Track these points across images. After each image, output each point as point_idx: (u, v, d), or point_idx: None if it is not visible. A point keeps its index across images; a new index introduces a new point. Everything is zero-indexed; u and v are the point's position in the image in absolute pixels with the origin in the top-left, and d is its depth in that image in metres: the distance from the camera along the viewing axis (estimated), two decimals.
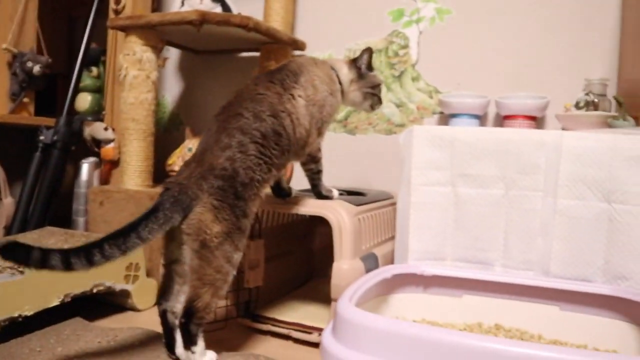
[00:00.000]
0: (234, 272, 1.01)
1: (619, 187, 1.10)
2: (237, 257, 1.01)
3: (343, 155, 1.94)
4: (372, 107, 1.32)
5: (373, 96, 1.30)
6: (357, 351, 0.85)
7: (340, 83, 1.25)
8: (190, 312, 0.96)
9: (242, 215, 1.00)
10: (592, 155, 1.13)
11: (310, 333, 1.23)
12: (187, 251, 0.98)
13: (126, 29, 1.67)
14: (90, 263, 0.90)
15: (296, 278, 1.63)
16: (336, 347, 0.87)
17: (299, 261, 1.65)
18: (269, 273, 1.40)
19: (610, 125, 1.30)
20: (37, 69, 1.85)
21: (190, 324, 0.97)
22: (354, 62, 1.28)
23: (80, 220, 1.78)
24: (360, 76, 1.27)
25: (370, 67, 1.29)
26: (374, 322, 0.84)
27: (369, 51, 1.27)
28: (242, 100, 1.08)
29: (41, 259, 0.88)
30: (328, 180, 1.35)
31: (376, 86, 1.30)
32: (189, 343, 0.98)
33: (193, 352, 0.98)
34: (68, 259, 0.89)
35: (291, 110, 1.11)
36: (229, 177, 0.98)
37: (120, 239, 0.91)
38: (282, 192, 1.26)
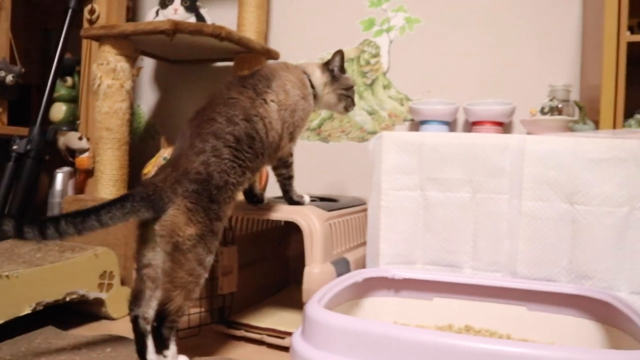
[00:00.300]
0: (206, 275, 1.02)
1: (581, 189, 1.14)
2: (210, 259, 1.01)
3: (317, 163, 1.97)
4: (346, 109, 1.35)
5: (347, 98, 1.33)
6: (326, 351, 0.86)
7: (312, 87, 1.28)
8: (162, 315, 0.97)
9: (216, 218, 1.01)
10: (554, 158, 1.16)
11: (283, 338, 1.24)
12: (160, 254, 0.98)
13: (100, 39, 1.68)
14: (43, 235, 0.90)
15: (271, 285, 1.64)
16: (305, 348, 0.88)
17: (274, 268, 1.66)
18: (243, 280, 1.41)
19: (571, 129, 1.34)
20: (9, 78, 1.85)
21: (163, 328, 0.97)
22: (326, 65, 1.30)
23: None
24: (334, 78, 1.30)
25: (342, 70, 1.32)
26: (341, 322, 0.86)
27: (340, 53, 1.30)
28: (215, 104, 1.09)
29: None
30: (303, 187, 1.37)
31: (349, 88, 1.33)
32: (161, 347, 0.98)
33: (165, 357, 0.98)
34: (21, 228, 0.89)
35: (264, 114, 1.13)
36: (203, 180, 0.99)
37: (79, 218, 0.92)
38: (254, 198, 1.28)
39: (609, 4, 1.25)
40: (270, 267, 1.64)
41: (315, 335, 0.89)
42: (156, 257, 1.00)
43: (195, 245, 0.97)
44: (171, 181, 0.98)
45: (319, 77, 1.29)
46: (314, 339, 0.88)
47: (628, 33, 1.28)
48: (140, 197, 0.95)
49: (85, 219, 0.92)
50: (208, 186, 1.00)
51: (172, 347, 0.99)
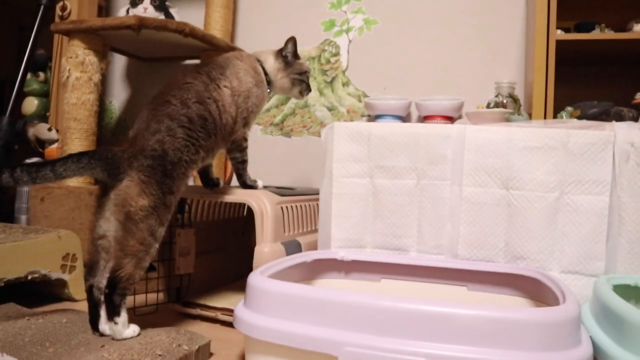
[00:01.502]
0: (157, 246, 1.06)
1: (515, 175, 1.20)
2: (161, 231, 1.06)
3: (280, 156, 2.04)
4: (301, 94, 1.42)
5: (301, 82, 1.40)
6: (262, 314, 0.92)
7: (266, 74, 1.35)
8: (113, 282, 1.01)
9: (169, 192, 1.06)
10: (491, 146, 1.23)
11: None
12: (113, 223, 1.03)
13: (69, 33, 1.74)
14: None
15: (232, 273, 1.69)
16: (244, 313, 0.94)
17: (236, 257, 1.72)
18: (204, 266, 1.46)
19: (508, 120, 1.43)
20: None
21: (114, 294, 1.01)
22: (280, 52, 1.38)
23: (22, 217, 1.82)
24: (287, 64, 1.37)
25: (296, 56, 1.39)
26: (276, 287, 0.92)
27: (292, 40, 1.38)
28: (170, 89, 1.16)
29: None
30: (266, 179, 1.44)
31: (303, 73, 1.40)
32: (112, 314, 1.02)
33: (116, 323, 1.02)
34: None
35: (217, 97, 1.19)
36: (158, 156, 1.05)
37: (34, 168, 0.97)
38: (209, 182, 1.35)
39: (540, 3, 1.35)
40: (232, 256, 1.69)
41: (254, 300, 0.95)
42: (111, 228, 1.04)
43: (148, 216, 1.02)
44: (128, 155, 1.03)
45: (271, 64, 1.36)
46: (253, 305, 0.94)
47: (560, 32, 1.38)
48: (99, 157, 1.01)
49: (40, 169, 0.97)
50: (163, 162, 1.05)
51: (123, 314, 1.03)
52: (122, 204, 1.01)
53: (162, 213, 1.05)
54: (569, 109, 1.41)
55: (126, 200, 1.01)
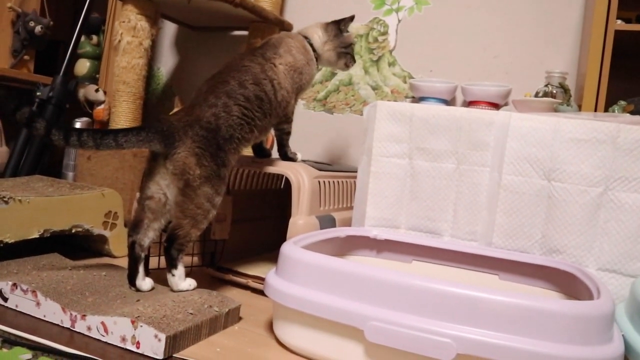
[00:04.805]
0: (214, 212, 1.12)
1: (558, 167, 1.18)
2: (218, 199, 1.12)
3: (320, 132, 2.05)
4: (347, 65, 1.47)
5: (346, 55, 1.45)
6: (292, 283, 0.94)
7: (314, 50, 1.40)
8: (172, 238, 1.08)
9: (222, 164, 1.11)
10: (535, 136, 1.20)
11: None
12: (172, 190, 1.08)
13: None
14: (66, 140, 1.00)
15: (267, 243, 1.71)
16: (276, 280, 0.96)
17: (271, 228, 1.74)
18: (239, 233, 1.49)
19: (556, 110, 1.39)
20: (38, 29, 1.97)
21: (172, 249, 1.08)
22: (334, 24, 1.44)
23: (70, 174, 1.89)
24: (335, 37, 1.42)
25: (346, 30, 1.45)
26: (307, 257, 0.94)
27: (352, 19, 1.46)
28: (230, 70, 1.21)
29: (28, 116, 0.98)
30: (306, 154, 1.46)
31: (349, 45, 1.45)
32: (170, 266, 1.09)
33: (173, 275, 1.09)
34: (50, 129, 0.99)
35: (273, 76, 1.25)
36: (212, 129, 1.10)
37: (99, 134, 1.02)
38: (262, 153, 1.42)
39: None
40: (267, 227, 1.71)
41: (285, 269, 0.97)
42: (159, 191, 1.10)
43: (204, 183, 1.08)
44: (184, 123, 1.08)
45: (318, 38, 1.41)
46: (285, 273, 0.97)
47: (620, 22, 1.32)
48: (156, 130, 1.06)
49: (104, 137, 1.02)
50: (216, 136, 1.10)
51: (180, 268, 1.09)
52: (181, 173, 1.06)
53: (217, 184, 1.10)
54: (622, 102, 1.36)
55: (185, 170, 1.06)
